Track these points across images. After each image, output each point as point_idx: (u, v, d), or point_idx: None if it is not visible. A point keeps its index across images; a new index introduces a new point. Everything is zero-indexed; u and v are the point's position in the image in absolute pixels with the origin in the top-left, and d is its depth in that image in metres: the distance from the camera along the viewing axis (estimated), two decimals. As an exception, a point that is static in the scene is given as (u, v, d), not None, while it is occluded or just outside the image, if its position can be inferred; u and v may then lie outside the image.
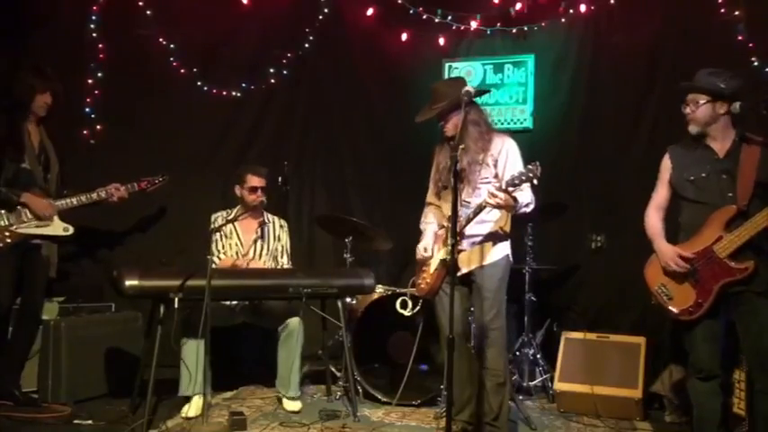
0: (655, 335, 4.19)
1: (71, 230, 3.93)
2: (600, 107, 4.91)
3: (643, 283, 4.54)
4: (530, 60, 5.04)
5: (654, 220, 3.13)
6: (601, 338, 4.15)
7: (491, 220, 3.22)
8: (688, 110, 2.98)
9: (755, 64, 4.25)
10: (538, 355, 4.38)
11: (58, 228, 3.90)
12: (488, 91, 4.47)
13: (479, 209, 3.08)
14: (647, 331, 4.18)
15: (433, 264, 3.32)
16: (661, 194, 3.14)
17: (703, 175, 2.94)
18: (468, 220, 3.13)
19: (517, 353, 4.42)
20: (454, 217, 2.75)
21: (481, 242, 3.24)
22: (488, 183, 3.19)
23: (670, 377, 4.00)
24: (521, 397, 4.10)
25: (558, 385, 4.08)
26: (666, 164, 3.11)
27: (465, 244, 3.22)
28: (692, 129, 2.98)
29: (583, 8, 4.87)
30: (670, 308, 2.95)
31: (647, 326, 4.36)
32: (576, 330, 4.27)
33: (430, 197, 3.51)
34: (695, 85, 2.98)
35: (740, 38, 4.36)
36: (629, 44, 4.78)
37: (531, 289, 4.46)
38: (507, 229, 3.28)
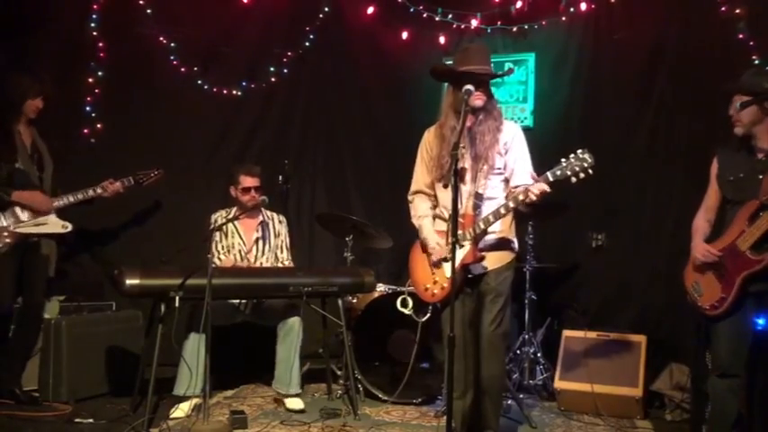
0: (655, 333, 4.19)
1: (70, 227, 3.91)
2: (600, 106, 4.91)
3: (643, 281, 4.61)
4: (530, 59, 5.05)
5: (700, 221, 3.12)
6: (601, 337, 4.15)
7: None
8: (732, 111, 2.97)
9: (756, 62, 4.24)
10: (538, 354, 4.38)
11: (57, 225, 3.88)
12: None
13: (516, 203, 2.87)
14: (648, 329, 4.19)
15: (448, 268, 2.95)
16: (710, 197, 3.14)
17: (741, 175, 2.96)
18: (498, 217, 2.93)
19: (518, 351, 4.42)
20: (455, 216, 2.66)
21: (496, 241, 3.07)
22: (500, 174, 3.06)
23: (671, 375, 4.00)
24: (521, 395, 4.10)
25: (559, 383, 4.08)
26: (714, 166, 3.11)
27: (482, 244, 3.02)
28: (738, 130, 2.97)
29: (583, 6, 4.87)
30: (699, 304, 2.98)
31: (647, 324, 4.37)
32: (577, 329, 4.26)
33: (419, 185, 3.27)
34: (740, 87, 2.96)
35: (741, 36, 4.36)
36: (629, 43, 4.78)
37: (532, 287, 4.45)
38: (513, 227, 3.16)
